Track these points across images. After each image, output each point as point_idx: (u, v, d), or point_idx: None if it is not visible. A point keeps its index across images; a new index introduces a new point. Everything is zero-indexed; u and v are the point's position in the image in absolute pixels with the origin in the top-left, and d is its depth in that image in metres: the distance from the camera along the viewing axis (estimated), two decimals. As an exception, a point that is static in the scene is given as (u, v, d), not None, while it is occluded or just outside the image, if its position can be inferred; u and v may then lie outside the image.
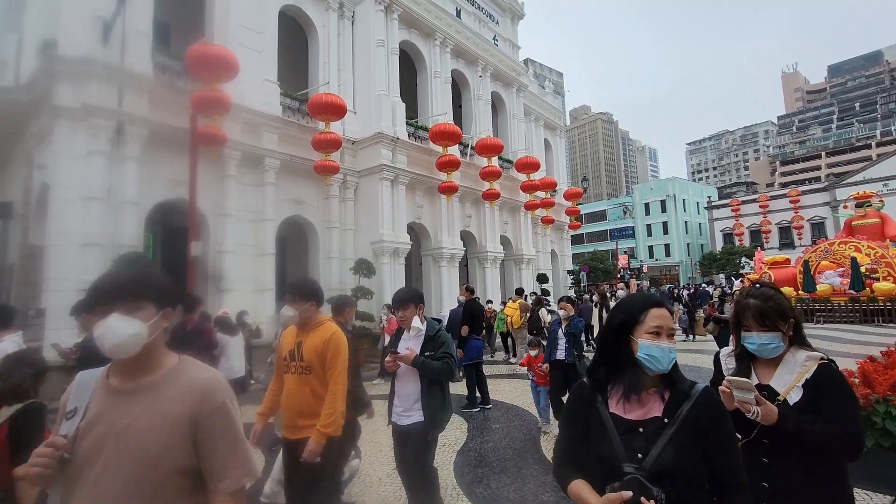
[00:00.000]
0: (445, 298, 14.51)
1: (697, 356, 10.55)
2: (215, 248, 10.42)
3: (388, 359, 3.19)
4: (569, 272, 24.02)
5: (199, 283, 10.43)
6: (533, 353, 6.18)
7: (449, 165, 13.75)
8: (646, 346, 1.46)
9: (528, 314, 10.06)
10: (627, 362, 1.48)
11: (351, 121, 13.57)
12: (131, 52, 9.29)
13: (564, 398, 5.26)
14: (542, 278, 19.62)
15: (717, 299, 9.28)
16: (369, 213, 13.33)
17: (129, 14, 9.00)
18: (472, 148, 16.18)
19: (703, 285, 28.11)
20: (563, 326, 5.83)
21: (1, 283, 12.11)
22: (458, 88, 17.91)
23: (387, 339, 9.00)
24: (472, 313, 7.63)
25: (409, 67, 16.06)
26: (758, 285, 2.06)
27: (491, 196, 15.75)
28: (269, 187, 11.55)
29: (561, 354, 5.70)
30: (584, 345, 6.12)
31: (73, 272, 8.13)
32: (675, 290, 24.13)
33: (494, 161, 16.04)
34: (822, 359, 1.83)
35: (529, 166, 17.22)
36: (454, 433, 5.93)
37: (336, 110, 11.23)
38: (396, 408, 3.29)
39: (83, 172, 8.51)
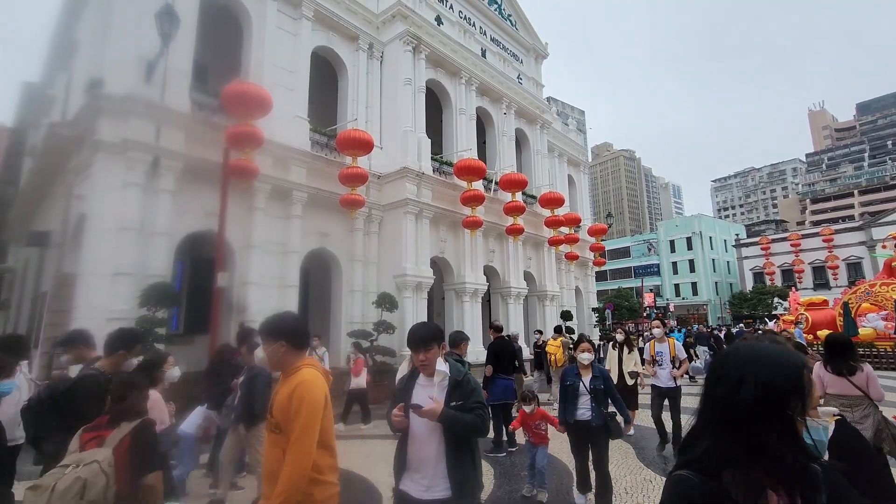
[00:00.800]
0: (469, 333, 14.17)
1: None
2: (240, 279, 10.47)
3: (395, 412, 2.51)
4: (593, 310, 23.42)
5: (223, 314, 10.47)
6: (527, 408, 5.18)
7: (473, 200, 13.74)
8: (816, 430, 1.12)
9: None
10: (786, 448, 1.05)
11: (377, 156, 13.80)
12: (171, 90, 9.70)
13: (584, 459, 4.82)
14: (566, 315, 19.13)
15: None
16: (393, 246, 13.32)
17: (171, 55, 9.45)
18: (496, 183, 16.21)
19: (742, 326, 26.90)
20: (583, 378, 4.81)
21: (34, 310, 12.40)
22: (483, 125, 18.16)
23: (352, 382, 8.74)
24: (497, 352, 7.35)
25: (436, 104, 16.40)
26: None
27: (515, 231, 15.62)
28: (296, 220, 11.69)
29: (586, 414, 4.68)
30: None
31: (103, 300, 8.24)
32: (713, 330, 21.87)
33: (518, 196, 16.00)
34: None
35: (553, 202, 17.12)
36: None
37: (363, 145, 11.43)
38: (412, 478, 2.49)
39: (119, 203, 8.74)
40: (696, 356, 17.00)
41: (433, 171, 14.46)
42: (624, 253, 69.60)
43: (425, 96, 14.99)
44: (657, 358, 6.94)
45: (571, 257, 20.40)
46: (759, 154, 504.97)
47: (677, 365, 6.88)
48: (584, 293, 23.61)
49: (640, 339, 18.11)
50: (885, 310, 20.51)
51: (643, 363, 7.71)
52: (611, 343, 8.60)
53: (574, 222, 19.64)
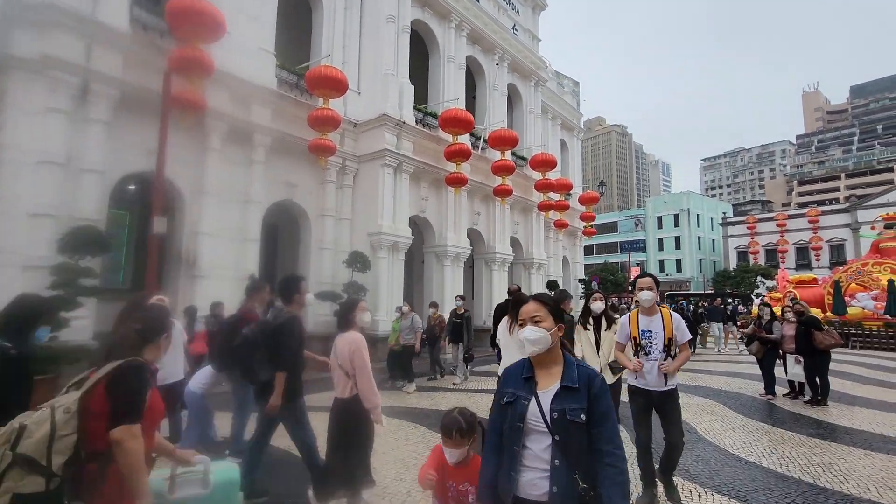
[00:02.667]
0: (448, 300, 13.33)
1: (731, 380, 9.25)
2: (191, 229, 9.29)
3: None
4: (580, 281, 22.72)
5: (168, 267, 9.33)
6: (451, 454, 2.20)
7: (458, 155, 12.58)
8: None
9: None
10: None
11: (354, 101, 12.48)
12: (106, 3, 8.23)
13: None
14: (552, 285, 18.33)
15: (767, 317, 7.95)
16: (368, 202, 12.18)
17: (104, -42, 7.95)
18: (484, 141, 15.02)
19: (734, 301, 26.42)
20: (540, 396, 3.21)
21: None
22: (473, 78, 16.77)
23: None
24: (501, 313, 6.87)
25: (422, 51, 14.96)
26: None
27: (502, 192, 14.56)
28: (259, 166, 10.44)
29: (536, 489, 2.26)
30: None
31: (17, 244, 7.04)
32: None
33: (508, 155, 14.87)
34: None
35: (545, 164, 16.01)
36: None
37: (336, 85, 10.13)
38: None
39: (38, 132, 7.41)
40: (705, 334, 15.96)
41: (416, 121, 13.20)
42: (611, 228, 69.34)
43: (410, 40, 13.55)
44: (643, 341, 3.77)
45: (561, 225, 19.47)
46: (754, 134, 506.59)
47: (674, 352, 3.72)
48: (572, 263, 22.85)
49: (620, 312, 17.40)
50: (871, 290, 20.21)
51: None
52: (580, 319, 5.37)
53: (565, 188, 18.61)
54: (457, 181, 12.92)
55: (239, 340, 3.75)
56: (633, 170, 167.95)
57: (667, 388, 3.64)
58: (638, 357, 3.73)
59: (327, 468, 3.39)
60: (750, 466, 4.35)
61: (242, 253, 9.96)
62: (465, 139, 13.39)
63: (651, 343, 3.73)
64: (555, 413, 1.71)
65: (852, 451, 4.83)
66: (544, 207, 16.86)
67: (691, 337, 3.77)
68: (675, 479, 3.74)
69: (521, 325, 1.89)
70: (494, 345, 4.94)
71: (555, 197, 18.36)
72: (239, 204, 10.08)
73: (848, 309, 19.11)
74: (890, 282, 18.25)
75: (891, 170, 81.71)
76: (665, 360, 3.65)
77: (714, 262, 59.79)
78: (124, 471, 1.81)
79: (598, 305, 5.11)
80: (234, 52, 9.76)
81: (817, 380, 7.03)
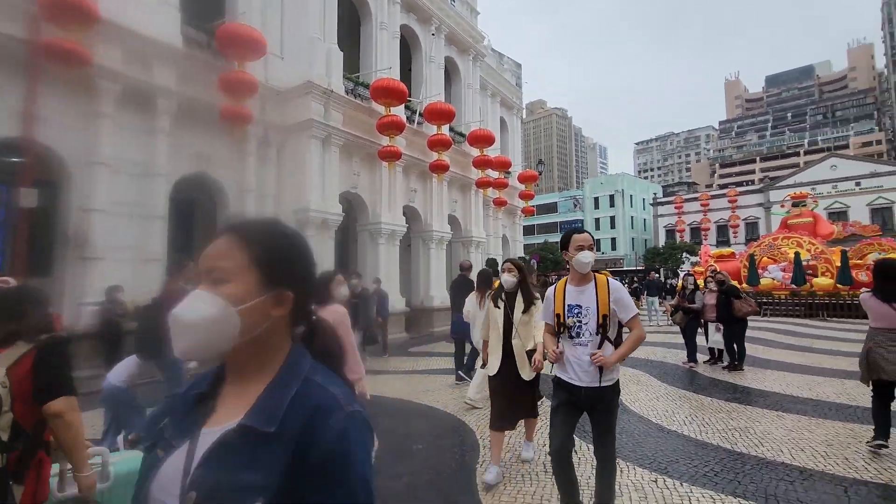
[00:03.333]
0: (384, 280, 12.87)
1: (658, 350, 9.53)
2: (79, 204, 8.12)
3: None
4: (520, 258, 22.91)
5: (57, 247, 8.16)
6: None
7: (391, 128, 11.93)
8: None
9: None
10: None
11: (276, 67, 11.47)
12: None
13: None
14: (491, 263, 18.30)
15: (690, 287, 8.14)
16: (294, 177, 11.33)
17: None
18: (420, 115, 14.44)
19: (656, 275, 28.00)
20: None
21: None
22: (409, 50, 16.05)
23: None
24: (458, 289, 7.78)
25: (352, 18, 14.04)
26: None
27: (439, 168, 14.12)
28: (163, 135, 9.31)
29: None
30: None
31: None
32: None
33: (445, 130, 14.42)
34: None
35: (483, 140, 15.69)
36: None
37: (252, 45, 9.16)
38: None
39: None
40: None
41: (346, 91, 12.38)
42: (551, 208, 71.31)
43: (341, 7, 12.61)
44: (569, 320, 2.82)
45: (500, 203, 19.39)
46: (684, 119, 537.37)
47: (612, 336, 2.79)
48: (512, 242, 22.99)
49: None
50: (779, 262, 21.98)
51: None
52: (492, 294, 4.16)
53: (504, 166, 18.45)
54: (390, 155, 12.32)
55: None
56: (572, 152, 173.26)
57: (601, 385, 2.70)
58: (559, 341, 2.82)
59: None
60: (671, 436, 4.31)
61: (146, 231, 8.89)
62: (399, 111, 12.76)
63: (580, 322, 2.76)
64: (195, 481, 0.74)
65: (766, 414, 4.96)
66: (482, 184, 16.64)
67: (637, 312, 2.81)
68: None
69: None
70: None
71: (493, 175, 18.21)
72: (139, 177, 8.95)
73: (760, 280, 20.67)
74: (796, 254, 19.86)
75: (798, 154, 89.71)
76: (601, 345, 2.71)
77: (645, 240, 63.20)
78: (66, 445, 1.84)
79: (508, 279, 3.86)
80: (128, 4, 8.53)
81: (735, 346, 7.31)
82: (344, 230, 13.18)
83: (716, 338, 7.63)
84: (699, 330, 7.99)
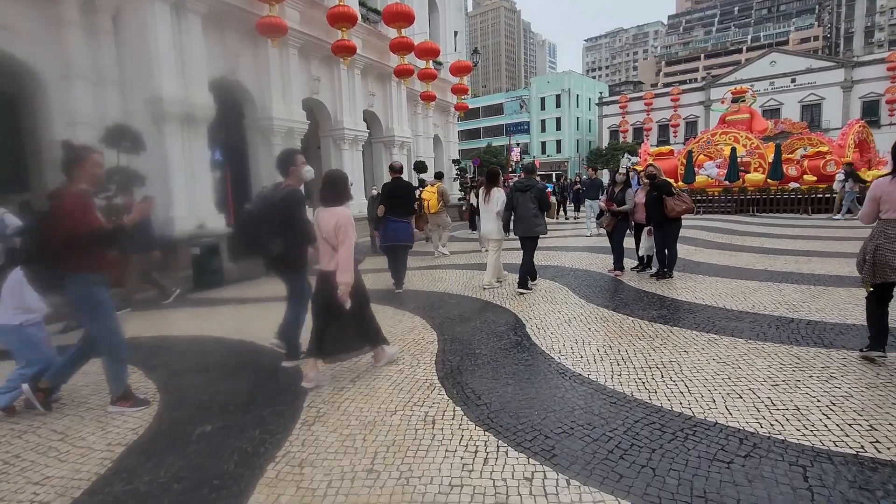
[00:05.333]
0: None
1: (583, 257, 8.56)
2: None
3: None
4: (454, 161, 21.17)
5: None
6: None
7: (271, -8, 9.26)
8: None
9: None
10: None
11: None
12: None
13: None
14: (419, 166, 16.53)
15: (620, 181, 6.90)
16: (140, 55, 8.66)
17: None
18: (317, -21, 11.54)
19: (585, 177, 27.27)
20: None
21: None
22: None
23: None
24: (390, 193, 6.93)
25: None
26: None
27: (343, 50, 11.60)
28: None
29: None
30: None
31: None
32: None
33: (350, 2, 11.72)
34: None
35: (400, 17, 13.00)
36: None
37: None
38: None
39: None
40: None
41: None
42: (497, 110, 68.36)
43: None
44: None
45: (427, 97, 17.07)
46: (636, 13, 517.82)
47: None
48: (445, 143, 21.02)
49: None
50: (714, 159, 21.65)
51: None
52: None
53: (431, 54, 15.85)
54: (272, 28, 9.73)
55: (244, 216, 3.84)
56: (521, 50, 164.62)
57: None
58: None
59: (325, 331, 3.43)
60: (573, 384, 3.19)
61: None
62: (281, -31, 9.91)
63: None
64: None
65: (695, 339, 3.97)
66: (402, 73, 14.20)
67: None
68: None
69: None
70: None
71: (421, 64, 15.74)
72: None
73: (696, 178, 20.33)
74: (732, 150, 19.39)
75: (740, 51, 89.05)
76: None
77: (590, 141, 62.51)
78: None
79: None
80: None
81: (665, 251, 6.33)
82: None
83: (647, 244, 6.62)
84: (628, 233, 6.94)
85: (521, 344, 4.05)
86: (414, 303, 5.75)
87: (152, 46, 8.52)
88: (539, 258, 8.64)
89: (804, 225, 12.18)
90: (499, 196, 6.19)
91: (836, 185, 14.65)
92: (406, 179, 7.54)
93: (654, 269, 6.68)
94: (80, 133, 8.23)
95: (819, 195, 16.03)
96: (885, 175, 3.33)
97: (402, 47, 13.56)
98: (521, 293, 5.90)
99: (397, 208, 6.75)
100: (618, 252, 6.79)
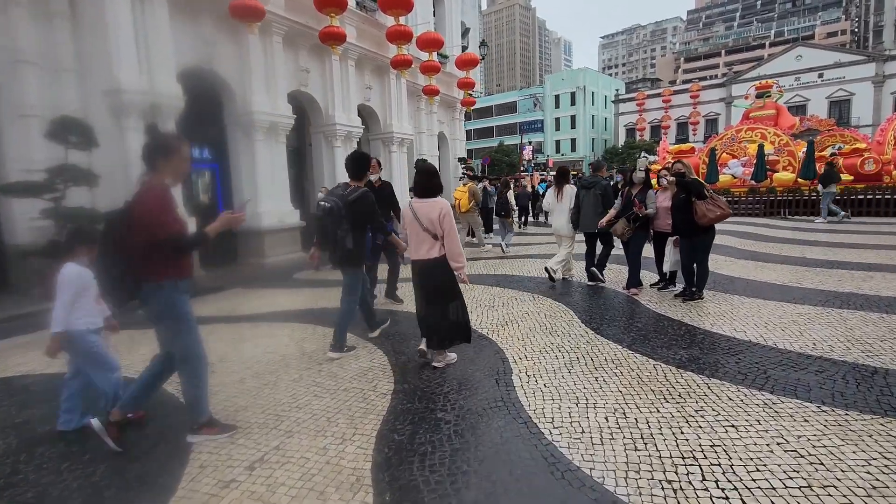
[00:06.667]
0: (259, 190, 10.07)
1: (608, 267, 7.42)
2: None
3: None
4: (460, 160, 20.09)
5: None
6: None
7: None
8: None
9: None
10: None
11: None
12: None
13: None
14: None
15: (636, 188, 5.77)
16: (100, 42, 7.79)
17: None
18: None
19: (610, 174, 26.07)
20: None
21: None
22: None
23: None
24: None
25: None
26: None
27: (331, 37, 10.62)
28: None
29: None
30: None
31: None
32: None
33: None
34: None
35: (397, 3, 11.98)
36: None
37: None
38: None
39: None
40: None
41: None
42: (511, 108, 66.99)
43: None
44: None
45: (430, 91, 16.04)
46: (654, 9, 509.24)
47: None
48: (451, 140, 19.94)
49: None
50: (738, 158, 20.20)
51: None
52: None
53: (434, 45, 14.80)
54: (247, 11, 8.80)
55: (322, 211, 3.89)
56: (536, 48, 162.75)
57: None
58: None
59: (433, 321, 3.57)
60: (567, 491, 2.11)
61: None
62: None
63: None
64: None
65: (745, 402, 2.85)
66: (399, 64, 13.15)
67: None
68: None
69: None
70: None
71: (424, 56, 14.73)
72: None
73: (720, 177, 18.95)
74: (760, 146, 17.98)
75: (763, 46, 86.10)
76: None
77: (605, 140, 60.81)
78: None
79: None
80: None
81: (694, 267, 5.19)
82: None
83: (673, 258, 5.49)
84: (648, 243, 5.81)
85: (501, 403, 2.98)
86: (389, 325, 4.71)
87: (110, 31, 7.64)
88: (537, 269, 7.56)
89: (847, 230, 10.82)
90: (571, 193, 6.35)
91: (820, 188, 13.55)
92: (386, 183, 6.30)
93: (678, 288, 5.54)
94: (32, 127, 7.42)
95: (860, 196, 14.57)
96: None
97: (399, 36, 12.53)
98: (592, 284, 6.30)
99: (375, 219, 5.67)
100: (634, 267, 5.65)
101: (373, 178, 5.66)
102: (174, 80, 8.36)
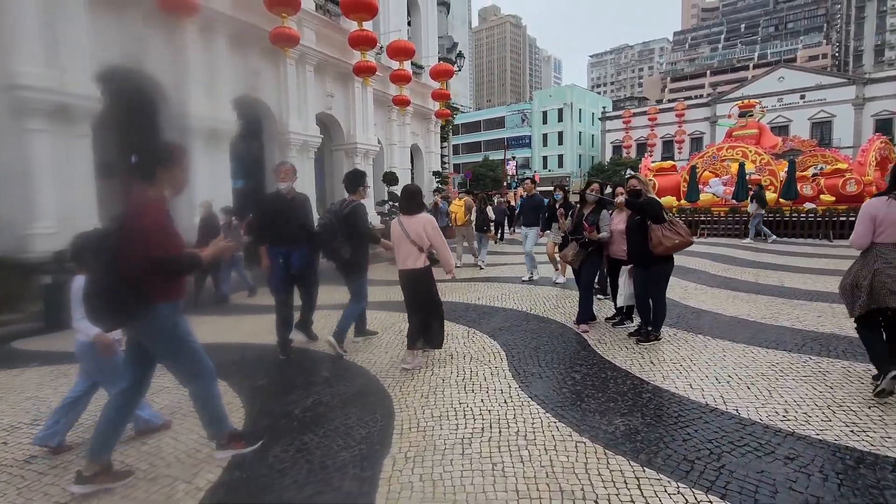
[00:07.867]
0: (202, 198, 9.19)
1: (542, 297, 6.62)
2: None
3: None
4: (434, 174, 19.36)
5: None
6: None
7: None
8: None
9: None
10: None
11: None
12: None
13: None
14: (389, 177, 14.74)
15: (588, 207, 5.00)
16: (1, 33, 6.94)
17: None
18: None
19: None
20: None
21: None
22: None
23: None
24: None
25: None
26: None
27: (282, 39, 9.90)
28: None
29: None
30: None
31: None
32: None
33: (295, -17, 10.05)
34: None
35: (359, 6, 11.33)
36: None
37: None
38: None
39: None
40: None
41: None
42: (499, 123, 67.05)
43: None
44: None
45: (400, 102, 15.35)
46: (642, 29, 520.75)
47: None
48: (425, 153, 19.24)
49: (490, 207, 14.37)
50: (720, 176, 19.76)
51: None
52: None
53: (404, 54, 14.15)
54: (176, 5, 8.02)
55: (318, 227, 4.36)
56: (526, 65, 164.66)
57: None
58: None
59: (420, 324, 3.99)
60: None
61: None
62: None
63: None
64: None
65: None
66: (361, 71, 12.43)
67: None
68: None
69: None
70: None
71: (393, 66, 14.09)
72: None
73: (701, 196, 18.45)
74: (741, 165, 17.51)
75: (747, 67, 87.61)
76: None
77: (592, 157, 60.84)
78: None
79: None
80: None
81: (651, 302, 4.40)
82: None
83: (627, 290, 4.68)
84: (600, 271, 5.03)
85: (349, 510, 2.12)
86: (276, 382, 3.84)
87: (6, 19, 6.79)
88: (489, 294, 6.73)
89: (828, 255, 10.19)
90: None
91: (750, 208, 14.11)
92: (300, 195, 4.71)
93: (634, 324, 4.75)
94: None
95: (841, 218, 14.05)
96: (879, 195, 3.15)
97: (362, 41, 11.83)
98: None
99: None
100: (585, 300, 4.84)
101: (281, 186, 4.41)
102: (89, 79, 7.50)
